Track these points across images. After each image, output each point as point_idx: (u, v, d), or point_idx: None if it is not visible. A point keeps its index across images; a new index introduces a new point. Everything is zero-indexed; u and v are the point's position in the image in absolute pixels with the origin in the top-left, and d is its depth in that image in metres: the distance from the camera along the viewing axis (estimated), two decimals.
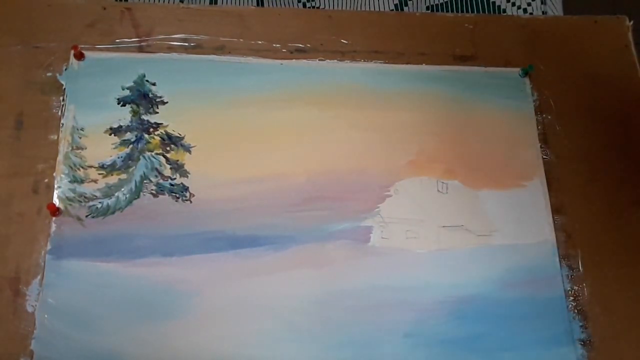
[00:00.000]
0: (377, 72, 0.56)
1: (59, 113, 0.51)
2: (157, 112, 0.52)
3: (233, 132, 0.52)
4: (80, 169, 0.50)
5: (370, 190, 0.52)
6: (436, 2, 0.71)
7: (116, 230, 0.48)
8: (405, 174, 0.53)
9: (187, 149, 0.51)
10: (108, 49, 0.54)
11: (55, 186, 0.49)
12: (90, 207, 0.48)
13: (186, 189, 0.50)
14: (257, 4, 0.73)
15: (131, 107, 0.52)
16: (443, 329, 0.48)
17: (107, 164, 0.50)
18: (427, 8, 0.71)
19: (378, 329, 0.47)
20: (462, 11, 0.70)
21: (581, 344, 0.48)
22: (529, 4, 0.72)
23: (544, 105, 0.57)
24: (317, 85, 0.55)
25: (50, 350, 0.44)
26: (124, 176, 0.50)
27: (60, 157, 0.50)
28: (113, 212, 0.49)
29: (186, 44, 0.55)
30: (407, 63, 0.57)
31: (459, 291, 0.49)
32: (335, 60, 0.56)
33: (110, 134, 0.51)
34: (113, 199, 0.49)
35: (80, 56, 0.53)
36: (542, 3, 0.72)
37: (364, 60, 0.57)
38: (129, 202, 0.49)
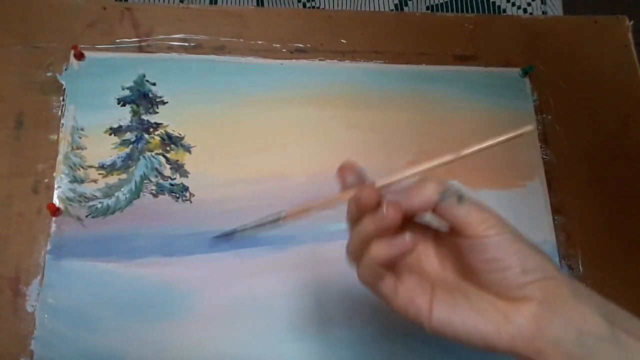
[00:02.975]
0: (377, 72, 0.56)
1: (59, 113, 0.51)
2: (157, 112, 0.52)
3: (233, 132, 0.52)
4: (80, 169, 0.50)
5: None
6: (436, 2, 0.71)
7: (116, 230, 0.48)
8: None
9: (187, 149, 0.51)
10: (108, 49, 0.54)
11: (55, 186, 0.49)
12: (90, 207, 0.48)
13: (186, 189, 0.50)
14: (257, 4, 0.73)
15: (131, 107, 0.52)
16: None
17: (107, 164, 0.50)
18: (427, 8, 0.71)
19: (378, 329, 0.47)
20: (462, 11, 0.70)
21: None
22: (529, 4, 0.72)
23: (544, 105, 0.57)
24: (317, 85, 0.55)
25: (50, 350, 0.44)
26: (124, 176, 0.50)
27: (60, 157, 0.50)
28: (113, 212, 0.49)
29: (186, 44, 0.55)
30: (407, 63, 0.57)
31: None
32: (335, 60, 0.56)
33: (110, 134, 0.51)
34: (113, 199, 0.49)
35: (80, 56, 0.53)
36: (542, 3, 0.72)
37: (364, 60, 0.57)
38: (129, 202, 0.49)
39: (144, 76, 0.53)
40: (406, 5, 0.72)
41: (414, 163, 0.54)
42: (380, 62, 0.57)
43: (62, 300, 0.46)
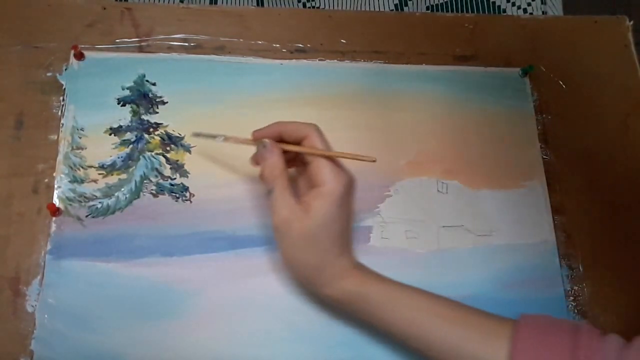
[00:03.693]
0: (377, 72, 0.56)
1: (59, 113, 0.51)
2: (157, 112, 0.52)
3: (233, 132, 0.52)
4: (80, 169, 0.50)
5: (370, 190, 0.52)
6: (436, 2, 0.71)
7: (116, 230, 0.48)
8: (405, 174, 0.53)
9: (187, 149, 0.51)
10: (108, 49, 0.54)
11: (55, 186, 0.49)
12: (90, 207, 0.48)
13: (186, 189, 0.50)
14: (257, 4, 0.73)
15: (131, 107, 0.52)
16: None
17: (107, 164, 0.50)
18: (427, 8, 0.71)
19: None
20: (462, 11, 0.70)
21: None
22: (529, 4, 0.72)
23: (544, 105, 0.57)
24: (317, 85, 0.55)
25: (50, 350, 0.44)
26: (124, 176, 0.50)
27: (60, 157, 0.50)
28: (113, 212, 0.49)
29: (186, 44, 0.55)
30: (407, 63, 0.57)
31: (459, 291, 0.49)
32: (335, 60, 0.56)
33: (110, 134, 0.51)
34: (113, 199, 0.49)
35: (80, 56, 0.53)
36: (542, 3, 0.72)
37: (364, 60, 0.57)
38: (129, 202, 0.49)
39: (144, 76, 0.53)
40: (406, 5, 0.72)
41: (414, 163, 0.54)
42: (380, 62, 0.57)
43: (62, 300, 0.46)
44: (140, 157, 0.51)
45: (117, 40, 0.54)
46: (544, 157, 0.55)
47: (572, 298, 0.50)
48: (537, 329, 0.38)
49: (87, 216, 0.48)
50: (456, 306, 0.42)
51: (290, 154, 0.43)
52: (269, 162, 0.41)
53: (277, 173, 0.41)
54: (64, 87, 0.52)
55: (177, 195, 0.50)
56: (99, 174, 0.50)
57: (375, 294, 0.41)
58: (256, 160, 0.44)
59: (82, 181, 0.49)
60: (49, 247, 0.47)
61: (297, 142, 0.42)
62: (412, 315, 0.40)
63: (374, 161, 0.40)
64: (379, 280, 0.42)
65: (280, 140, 0.43)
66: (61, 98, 0.52)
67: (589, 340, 0.36)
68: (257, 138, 0.43)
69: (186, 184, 0.50)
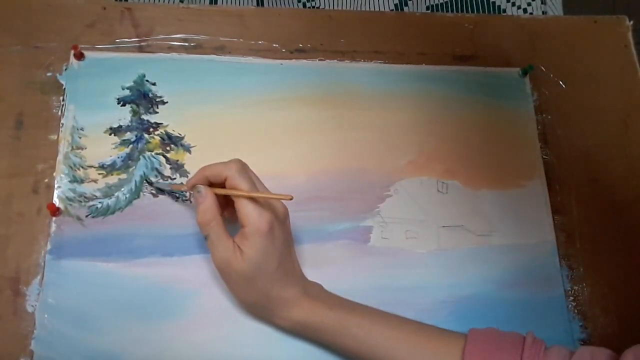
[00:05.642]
0: (377, 72, 0.56)
1: (59, 113, 0.51)
2: (157, 112, 0.52)
3: (233, 132, 0.52)
4: (80, 169, 0.50)
5: (370, 190, 0.52)
6: (436, 2, 0.71)
7: (116, 230, 0.48)
8: (405, 174, 0.53)
9: (187, 149, 0.51)
10: (108, 49, 0.54)
11: (55, 186, 0.49)
12: (90, 207, 0.48)
13: None
14: (257, 4, 0.73)
15: (131, 107, 0.52)
16: None
17: (107, 164, 0.50)
18: (427, 8, 0.71)
19: None
20: (462, 11, 0.70)
21: (581, 344, 0.48)
22: (529, 4, 0.72)
23: (544, 105, 0.57)
24: (317, 85, 0.55)
25: (50, 350, 0.44)
26: (124, 176, 0.50)
27: (60, 157, 0.50)
28: (113, 212, 0.49)
29: (186, 44, 0.55)
30: (407, 63, 0.57)
31: (459, 291, 0.49)
32: (335, 60, 0.56)
33: (110, 134, 0.51)
34: (113, 199, 0.49)
35: (80, 56, 0.53)
36: (542, 3, 0.72)
37: (364, 60, 0.57)
38: (129, 202, 0.49)
39: (144, 76, 0.53)
40: (406, 5, 0.72)
41: (414, 163, 0.54)
42: (380, 62, 0.57)
43: (62, 300, 0.46)
44: (140, 157, 0.51)
45: (117, 40, 0.54)
46: (544, 157, 0.55)
47: (572, 298, 0.50)
48: (485, 346, 0.40)
49: (87, 216, 0.48)
50: (407, 327, 0.43)
51: (222, 196, 0.43)
52: (202, 206, 0.42)
53: (210, 216, 0.41)
54: (64, 87, 0.52)
55: (177, 195, 0.50)
56: (99, 174, 0.50)
57: (325, 321, 0.42)
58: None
59: (82, 181, 0.49)
60: (49, 247, 0.47)
61: (222, 183, 0.42)
62: (363, 339, 0.41)
63: (291, 199, 0.40)
64: (328, 306, 0.43)
65: (210, 184, 0.43)
66: (61, 98, 0.52)
67: (532, 357, 0.38)
68: (190, 187, 0.44)
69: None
